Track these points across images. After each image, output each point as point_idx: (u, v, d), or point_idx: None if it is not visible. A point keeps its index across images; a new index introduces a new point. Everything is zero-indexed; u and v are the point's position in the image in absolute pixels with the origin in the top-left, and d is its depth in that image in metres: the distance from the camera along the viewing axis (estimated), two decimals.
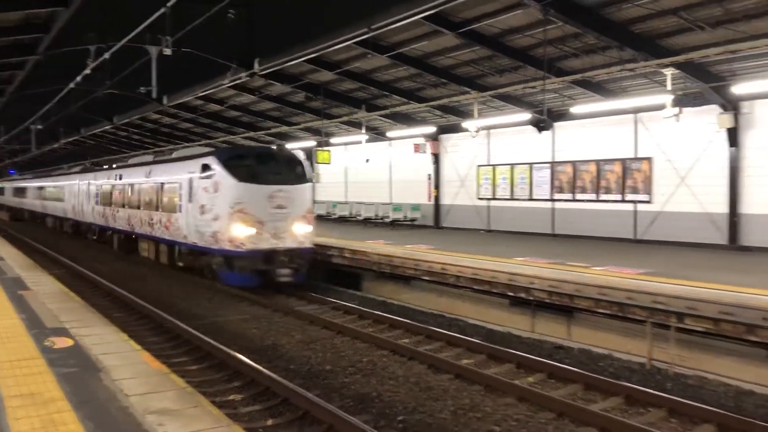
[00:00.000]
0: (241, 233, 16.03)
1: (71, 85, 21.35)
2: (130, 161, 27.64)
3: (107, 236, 27.60)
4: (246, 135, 35.07)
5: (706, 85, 16.78)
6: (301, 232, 16.77)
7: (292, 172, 17.17)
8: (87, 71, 18.87)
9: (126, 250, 24.90)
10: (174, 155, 21.52)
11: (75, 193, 32.37)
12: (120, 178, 24.93)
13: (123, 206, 24.06)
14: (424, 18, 14.99)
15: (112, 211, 25.63)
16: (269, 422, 7.98)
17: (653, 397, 8.65)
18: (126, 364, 7.24)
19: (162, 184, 20.12)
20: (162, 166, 21.07)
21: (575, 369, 9.88)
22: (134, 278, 19.14)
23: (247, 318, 14.05)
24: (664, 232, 19.42)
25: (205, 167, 17.08)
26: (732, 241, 17.70)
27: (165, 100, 27.13)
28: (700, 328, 10.09)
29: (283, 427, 7.90)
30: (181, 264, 19.33)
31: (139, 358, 7.61)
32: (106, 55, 17.84)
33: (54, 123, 33.25)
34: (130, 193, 23.43)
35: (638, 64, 15.84)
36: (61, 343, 8.14)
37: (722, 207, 17.89)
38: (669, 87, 16.08)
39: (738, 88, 15.86)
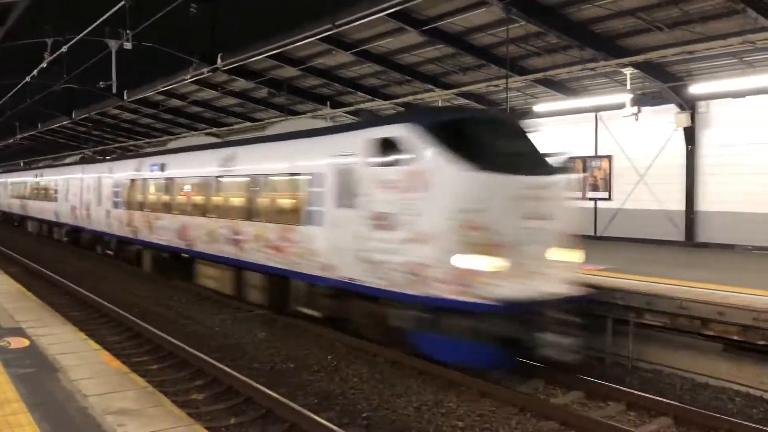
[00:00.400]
0: (477, 267, 8.61)
1: (27, 79, 20.84)
2: (173, 145, 19.94)
3: (131, 252, 19.90)
4: (209, 131, 34.69)
5: (664, 84, 17.14)
6: (569, 265, 9.55)
7: (538, 153, 10.02)
8: (44, 65, 18.45)
9: (167, 272, 17.95)
10: (291, 131, 13.12)
11: (76, 191, 24.65)
12: (163, 170, 17.49)
13: (169, 211, 16.78)
14: (388, 15, 15.00)
15: (145, 218, 18.22)
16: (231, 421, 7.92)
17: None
18: (84, 363, 7.11)
19: (263, 177, 13.05)
20: (261, 147, 13.76)
21: None
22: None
23: None
24: (624, 229, 19.79)
25: (387, 145, 9.73)
26: (688, 237, 18.12)
27: (125, 95, 26.67)
28: (658, 323, 10.30)
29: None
30: (305, 310, 11.97)
31: (98, 357, 7.48)
32: (64, 49, 17.47)
33: (9, 118, 32.42)
34: (185, 192, 16.30)
35: (598, 63, 16.11)
36: (17, 343, 7.96)
37: (679, 204, 18.30)
38: (628, 86, 16.41)
39: (695, 88, 16.26)
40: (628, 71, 16.38)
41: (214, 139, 18.87)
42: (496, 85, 18.73)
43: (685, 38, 14.80)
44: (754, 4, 12.68)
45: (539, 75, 17.68)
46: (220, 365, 9.61)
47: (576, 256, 9.64)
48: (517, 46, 16.94)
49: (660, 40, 15.39)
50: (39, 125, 41.04)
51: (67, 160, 32.62)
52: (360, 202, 10.10)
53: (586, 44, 15.76)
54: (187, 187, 16.16)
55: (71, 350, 7.67)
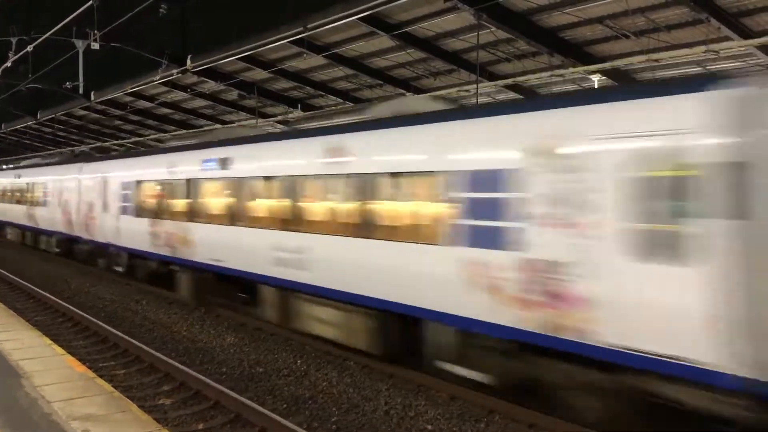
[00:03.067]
0: None
1: None
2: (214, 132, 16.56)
3: (157, 271, 16.32)
4: (177, 133, 34.34)
5: None
6: None
7: None
8: (8, 64, 18.12)
9: (216, 300, 14.42)
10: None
11: (71, 194, 21.45)
12: (227, 166, 13.10)
13: (246, 222, 12.43)
14: (359, 19, 15.02)
15: (193, 230, 14.05)
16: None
17: None
18: (49, 369, 7.00)
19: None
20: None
21: None
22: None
23: None
24: None
25: None
26: None
27: (92, 96, 26.27)
28: None
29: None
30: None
31: (63, 362, 7.37)
32: (29, 48, 17.16)
33: None
34: (277, 197, 11.78)
35: (567, 70, 16.32)
36: None
37: None
38: None
39: None
40: (596, 78, 16.62)
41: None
42: (467, 90, 18.86)
43: (651, 46, 15.09)
44: (718, 14, 12.99)
45: (509, 81, 17.84)
46: (188, 370, 9.52)
47: None
48: (487, 52, 17.10)
49: (627, 48, 15.65)
50: (3, 126, 40.21)
51: (59, 159, 28.58)
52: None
53: (554, 51, 15.97)
54: (282, 190, 11.55)
55: (35, 355, 7.55)
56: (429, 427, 7.95)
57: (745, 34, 13.45)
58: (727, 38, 13.51)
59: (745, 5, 12.90)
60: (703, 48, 13.82)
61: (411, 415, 8.31)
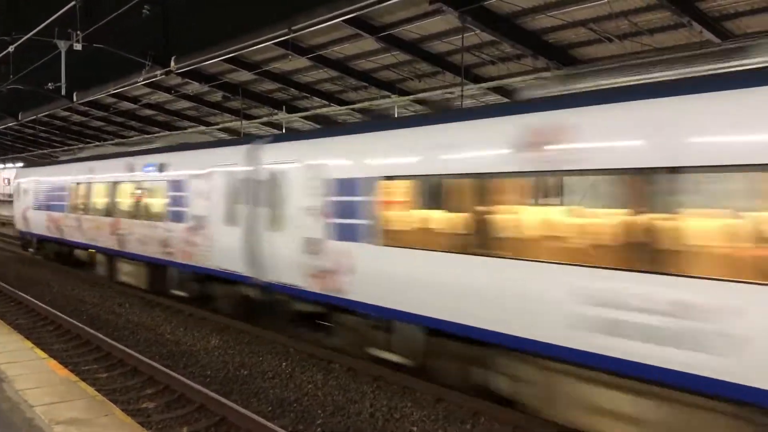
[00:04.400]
0: None
1: None
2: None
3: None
4: (161, 135, 34.12)
5: None
6: None
7: None
8: None
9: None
10: None
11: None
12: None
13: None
14: (344, 21, 15.02)
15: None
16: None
17: None
18: (31, 373, 6.93)
19: None
20: None
21: None
22: None
23: None
24: None
25: None
26: None
27: (75, 97, 26.03)
28: None
29: None
30: None
31: (45, 366, 7.29)
32: (11, 49, 17.00)
33: None
34: None
35: (551, 72, 16.41)
36: None
37: None
38: None
39: None
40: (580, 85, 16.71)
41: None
42: (452, 92, 18.90)
43: (634, 49, 15.21)
44: (699, 18, 13.12)
45: (493, 83, 17.91)
46: (172, 373, 9.46)
47: None
48: (471, 54, 17.15)
49: (610, 51, 15.77)
50: None
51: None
52: None
53: (539, 53, 16.05)
54: None
55: (17, 359, 7.47)
56: (414, 429, 7.95)
57: (726, 36, 13.60)
58: (709, 42, 13.65)
59: (726, 9, 13.05)
60: (686, 52, 13.94)
61: (396, 417, 8.31)
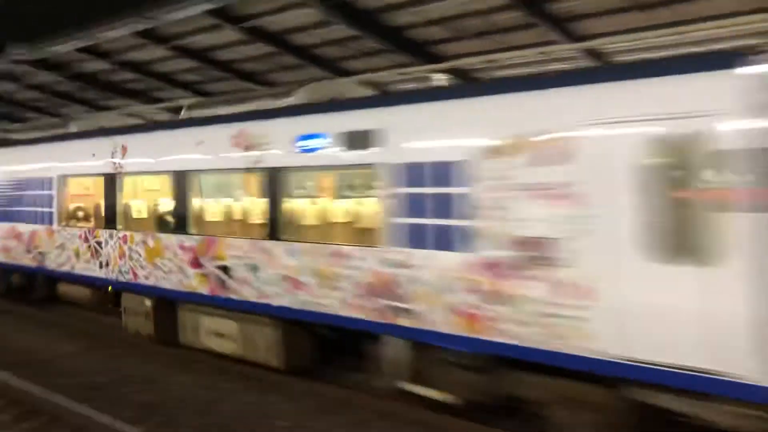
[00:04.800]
0: None
1: None
2: None
3: None
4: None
5: None
6: None
7: None
8: None
9: None
10: None
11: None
12: None
13: None
14: (206, 12, 14.61)
15: None
16: None
17: None
18: None
19: None
20: None
21: None
22: None
23: None
24: None
25: None
26: None
27: None
28: None
29: None
30: None
31: None
32: None
33: None
34: None
35: (411, 68, 16.78)
36: None
37: None
38: None
39: None
40: (439, 77, 17.22)
41: None
42: None
43: (490, 47, 15.87)
44: (546, 19, 13.95)
45: (362, 77, 18.06)
46: (21, 382, 8.85)
47: None
48: (337, 48, 17.23)
49: (467, 48, 16.37)
50: None
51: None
52: None
53: (401, 49, 16.40)
54: None
55: None
56: (284, 422, 7.97)
57: (572, 37, 14.54)
58: (555, 42, 14.53)
59: (572, 11, 13.94)
60: (535, 51, 14.77)
61: (264, 412, 8.30)
